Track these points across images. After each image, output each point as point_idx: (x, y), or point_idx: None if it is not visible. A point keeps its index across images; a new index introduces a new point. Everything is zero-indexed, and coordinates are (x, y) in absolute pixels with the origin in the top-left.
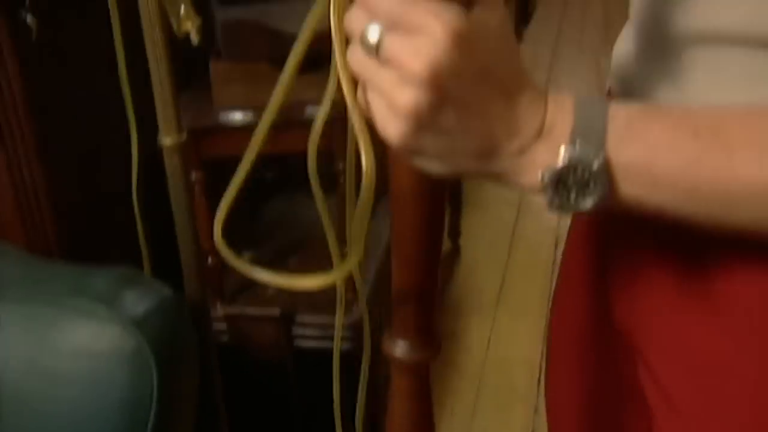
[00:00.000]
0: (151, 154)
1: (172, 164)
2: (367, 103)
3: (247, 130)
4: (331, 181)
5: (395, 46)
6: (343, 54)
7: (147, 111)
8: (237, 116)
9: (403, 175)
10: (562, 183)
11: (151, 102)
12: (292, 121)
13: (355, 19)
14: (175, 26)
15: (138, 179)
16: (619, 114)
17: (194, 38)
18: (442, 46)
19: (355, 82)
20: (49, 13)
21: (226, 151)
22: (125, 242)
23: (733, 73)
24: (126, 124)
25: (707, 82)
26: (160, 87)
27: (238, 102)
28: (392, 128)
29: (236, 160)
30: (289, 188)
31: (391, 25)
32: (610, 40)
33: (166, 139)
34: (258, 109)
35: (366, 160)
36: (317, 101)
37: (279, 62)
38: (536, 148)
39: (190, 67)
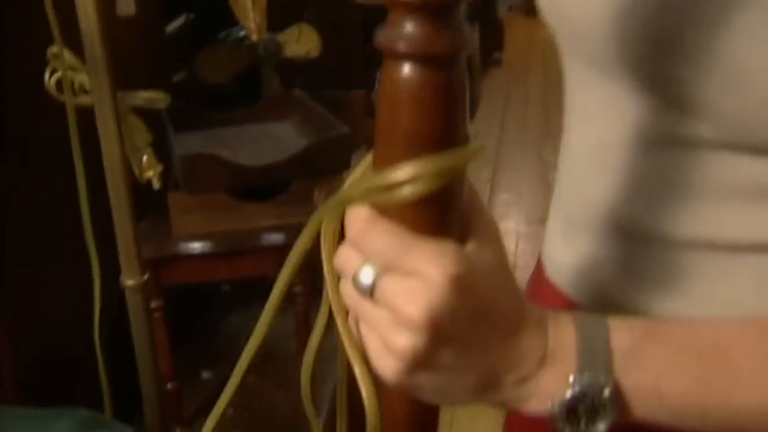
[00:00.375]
0: (113, 291)
1: (134, 303)
2: (359, 333)
3: (205, 257)
4: (290, 300)
5: (390, 290)
6: (336, 288)
7: (108, 247)
8: (195, 245)
9: (395, 401)
10: (572, 411)
11: (113, 238)
12: (248, 248)
13: (346, 258)
14: (137, 173)
15: (99, 318)
16: (623, 337)
17: (156, 184)
18: (440, 291)
19: (347, 311)
20: (15, 156)
21: (184, 278)
22: (86, 380)
23: (744, 277)
24: (88, 266)
25: (713, 289)
26: (123, 232)
27: (196, 231)
28: (386, 366)
29: (195, 287)
30: (247, 302)
31: (385, 268)
32: (551, 134)
33: (128, 281)
34: (215, 238)
35: (369, 405)
36: (272, 229)
37: (235, 192)
38: (541, 377)
39: (148, 195)
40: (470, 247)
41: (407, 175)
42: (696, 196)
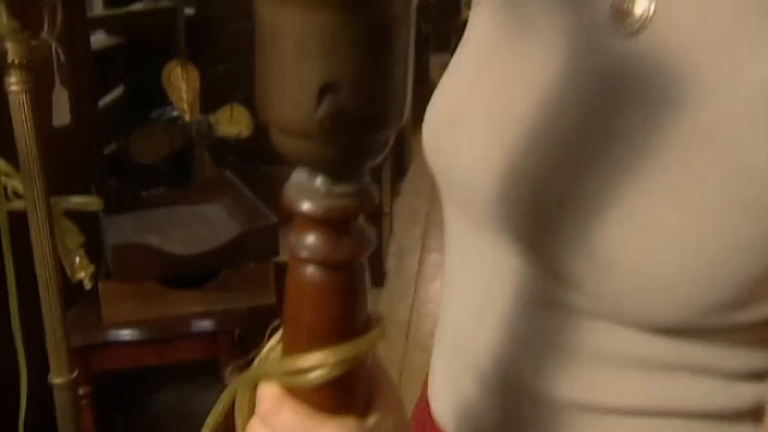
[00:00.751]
0: (39, 387)
1: (62, 400)
2: None
3: (135, 344)
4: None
5: None
6: None
7: (36, 343)
8: (125, 332)
9: None
10: None
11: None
12: (177, 335)
13: None
14: (69, 274)
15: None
16: None
17: (87, 284)
18: None
19: None
20: None
21: (114, 365)
22: None
23: None
24: (15, 362)
25: None
26: (52, 332)
27: (125, 318)
28: None
29: (123, 374)
30: (177, 379)
31: None
32: None
33: (57, 379)
34: (145, 324)
35: None
36: (201, 315)
37: (166, 281)
38: None
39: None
40: (372, 420)
41: (312, 363)
42: (574, 359)
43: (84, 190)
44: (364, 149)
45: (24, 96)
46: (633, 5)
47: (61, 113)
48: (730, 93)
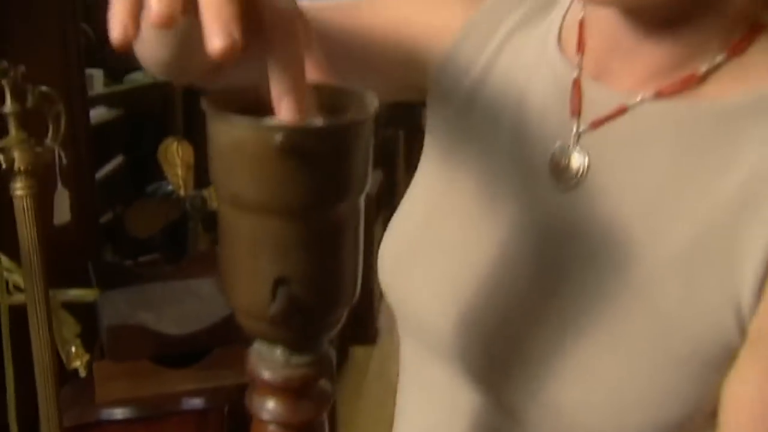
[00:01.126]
0: None
1: None
2: None
3: (127, 423)
4: None
5: None
6: None
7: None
8: (117, 411)
9: None
10: None
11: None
12: (168, 413)
13: None
14: (65, 361)
15: None
16: None
17: (82, 372)
18: None
19: None
20: None
21: None
22: None
23: None
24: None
25: None
26: (47, 418)
27: (118, 397)
28: None
29: None
30: None
31: None
32: None
33: None
34: (137, 403)
35: None
36: (192, 393)
37: (160, 360)
38: None
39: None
40: None
41: None
42: None
43: (80, 264)
44: (318, 329)
45: (28, 200)
46: (569, 161)
47: (62, 212)
48: (655, 252)
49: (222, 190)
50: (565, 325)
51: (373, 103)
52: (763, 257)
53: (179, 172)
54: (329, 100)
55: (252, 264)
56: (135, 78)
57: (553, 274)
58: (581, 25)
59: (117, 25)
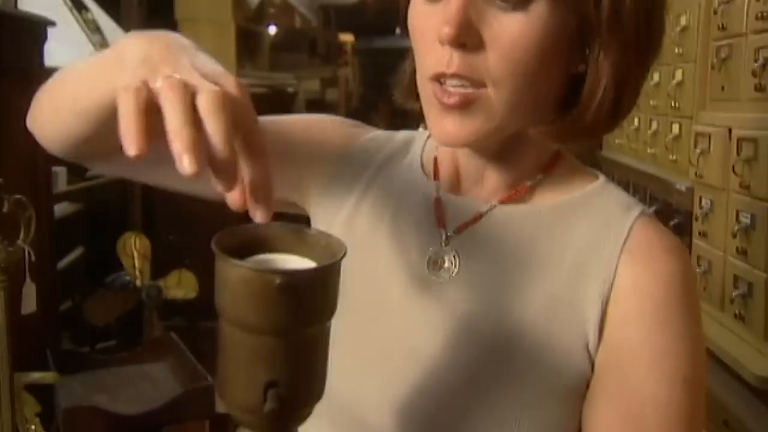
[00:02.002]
0: None
1: None
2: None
3: None
4: None
5: None
6: None
7: None
8: None
9: None
10: None
11: None
12: None
13: None
14: None
15: None
16: None
17: None
18: None
19: None
20: None
21: None
22: None
23: None
24: None
25: None
26: None
27: None
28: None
29: None
30: None
31: None
32: None
33: None
34: None
35: None
36: None
37: None
38: None
39: None
40: None
41: None
42: None
43: (39, 350)
44: (297, 419)
45: (0, 294)
46: (443, 261)
47: (29, 303)
48: (523, 317)
49: (227, 314)
50: (488, 414)
51: (342, 246)
52: (600, 306)
53: (136, 263)
54: (309, 241)
55: (249, 371)
56: (97, 174)
57: (445, 351)
58: (435, 158)
59: (132, 143)
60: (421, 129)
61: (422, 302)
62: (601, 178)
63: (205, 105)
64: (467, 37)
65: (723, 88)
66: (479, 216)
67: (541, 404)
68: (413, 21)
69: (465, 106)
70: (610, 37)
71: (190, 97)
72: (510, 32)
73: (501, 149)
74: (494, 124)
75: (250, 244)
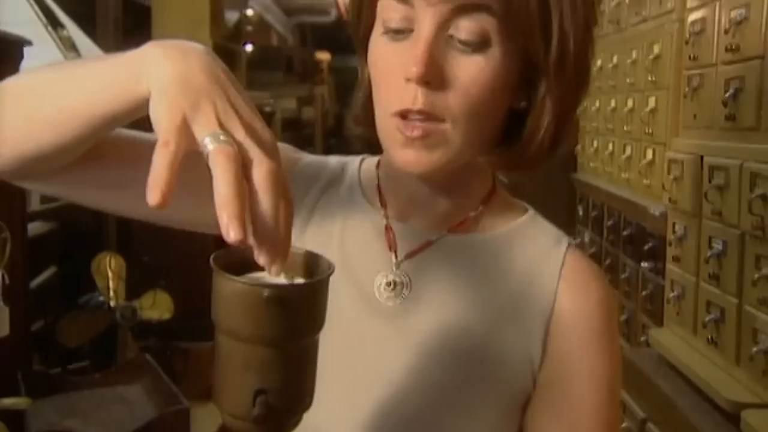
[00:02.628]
0: None
1: None
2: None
3: None
4: None
5: None
6: None
7: None
8: None
9: None
10: None
11: None
12: None
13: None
14: None
15: None
16: None
17: None
18: None
19: None
20: None
21: None
22: None
23: None
24: None
25: None
26: None
27: None
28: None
29: None
30: None
31: None
32: None
33: None
34: None
35: None
36: None
37: None
38: None
39: None
40: None
41: None
42: None
43: (9, 373)
44: (285, 427)
45: None
46: (394, 284)
47: (2, 328)
48: (472, 334)
49: (221, 325)
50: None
51: (330, 265)
52: (543, 327)
53: (111, 284)
54: (298, 260)
55: (240, 379)
56: None
57: (403, 371)
58: (379, 186)
59: (158, 195)
60: (352, 157)
61: (377, 324)
62: (530, 210)
63: (259, 180)
64: (432, 76)
65: (695, 116)
66: (429, 243)
67: (491, 415)
68: (376, 58)
69: (426, 138)
70: (556, 78)
71: (241, 166)
72: (469, 73)
73: (449, 181)
74: (451, 156)
75: (246, 264)
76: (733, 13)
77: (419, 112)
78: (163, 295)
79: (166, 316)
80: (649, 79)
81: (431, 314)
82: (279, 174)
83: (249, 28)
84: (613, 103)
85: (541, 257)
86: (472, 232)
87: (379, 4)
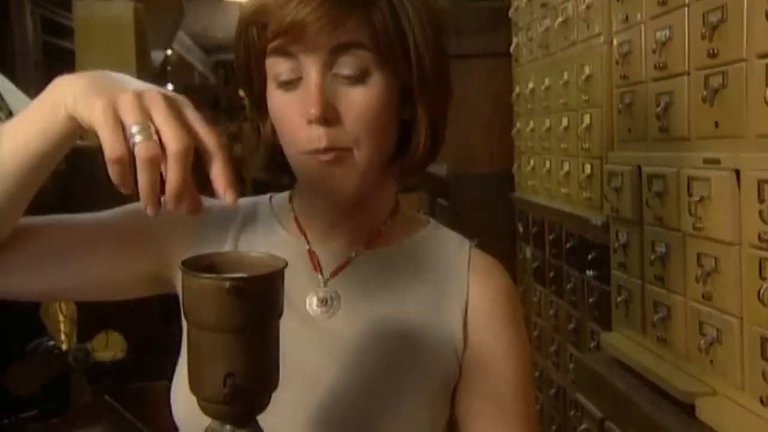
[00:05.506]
0: None
1: None
2: None
3: None
4: None
5: None
6: None
7: None
8: None
9: None
10: None
11: None
12: None
13: None
14: None
15: None
16: None
17: None
18: None
19: None
20: None
21: None
22: None
23: None
24: None
25: None
26: None
27: None
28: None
29: None
30: None
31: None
32: None
33: None
34: None
35: None
36: None
37: None
38: None
39: None
40: None
41: None
42: None
43: None
44: (254, 408)
45: None
46: (325, 300)
47: None
48: (401, 332)
49: (190, 318)
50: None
51: (285, 261)
52: (461, 317)
53: (62, 327)
54: (259, 261)
55: (210, 365)
56: None
57: (341, 376)
58: (296, 218)
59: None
60: (258, 197)
61: (314, 337)
62: (431, 220)
63: (170, 159)
64: (328, 114)
65: (629, 129)
66: (349, 260)
67: (424, 401)
68: (275, 108)
69: (339, 164)
70: (422, 92)
71: (159, 161)
72: (358, 102)
73: (362, 201)
74: (363, 175)
75: (211, 266)
76: (658, 34)
77: (326, 149)
78: (115, 335)
79: (120, 356)
80: (583, 98)
81: (361, 321)
82: (188, 150)
83: (169, 68)
84: (547, 123)
85: (450, 258)
86: (385, 245)
87: (267, 62)
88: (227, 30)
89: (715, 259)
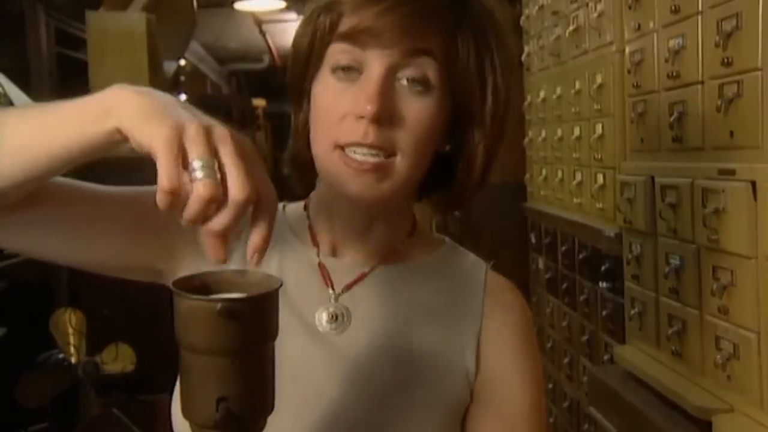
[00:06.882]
0: None
1: None
2: None
3: None
4: None
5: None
6: None
7: None
8: None
9: None
10: None
11: None
12: None
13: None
14: None
15: None
16: None
17: None
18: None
19: None
20: None
21: None
22: None
23: None
24: None
25: None
26: None
27: None
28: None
29: None
30: None
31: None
32: None
33: None
34: None
35: None
36: None
37: None
38: None
39: None
40: None
41: None
42: None
43: None
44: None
45: None
46: (336, 315)
47: None
48: (418, 353)
49: (182, 341)
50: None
51: (279, 281)
52: (475, 342)
53: (71, 340)
54: (253, 280)
55: (203, 389)
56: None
57: (349, 394)
58: (310, 227)
59: (166, 195)
60: (281, 203)
61: (322, 353)
62: (448, 240)
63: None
64: (383, 114)
65: (642, 139)
66: (364, 274)
67: (431, 429)
68: (323, 95)
69: (377, 171)
70: (492, 127)
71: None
72: (415, 113)
73: (383, 214)
74: (398, 186)
75: (205, 287)
76: (671, 43)
77: (370, 146)
78: (125, 347)
79: (129, 368)
80: (595, 107)
81: (371, 340)
82: (249, 203)
83: (182, 78)
84: (559, 132)
85: (465, 279)
86: (401, 263)
87: (330, 48)
88: (240, 40)
89: (732, 272)
